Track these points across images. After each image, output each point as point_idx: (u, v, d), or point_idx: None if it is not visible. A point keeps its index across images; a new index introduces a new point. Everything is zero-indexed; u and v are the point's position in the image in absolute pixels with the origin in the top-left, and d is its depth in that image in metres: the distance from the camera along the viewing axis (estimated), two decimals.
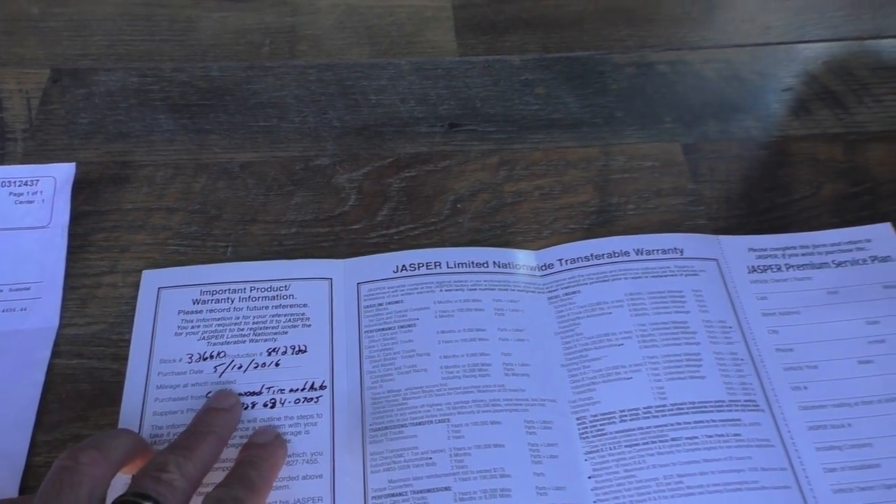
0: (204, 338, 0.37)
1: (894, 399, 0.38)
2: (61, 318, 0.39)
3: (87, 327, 0.39)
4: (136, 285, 0.40)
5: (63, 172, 0.44)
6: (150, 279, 0.39)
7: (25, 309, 0.39)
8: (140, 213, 0.44)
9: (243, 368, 0.36)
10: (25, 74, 0.51)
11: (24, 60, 0.52)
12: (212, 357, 0.37)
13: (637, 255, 0.42)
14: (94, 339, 0.39)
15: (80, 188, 0.45)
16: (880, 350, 0.40)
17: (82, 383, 0.38)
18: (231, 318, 0.38)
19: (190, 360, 0.37)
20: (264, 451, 0.33)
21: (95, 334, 0.39)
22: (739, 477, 0.35)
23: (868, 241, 0.44)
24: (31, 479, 0.35)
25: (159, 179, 0.46)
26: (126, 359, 0.38)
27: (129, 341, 0.38)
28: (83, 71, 0.51)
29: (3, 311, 0.39)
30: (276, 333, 0.38)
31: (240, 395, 0.36)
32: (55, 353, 0.38)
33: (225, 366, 0.36)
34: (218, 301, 0.39)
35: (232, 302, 0.39)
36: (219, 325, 0.38)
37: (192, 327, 0.38)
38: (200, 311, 0.38)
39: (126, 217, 0.44)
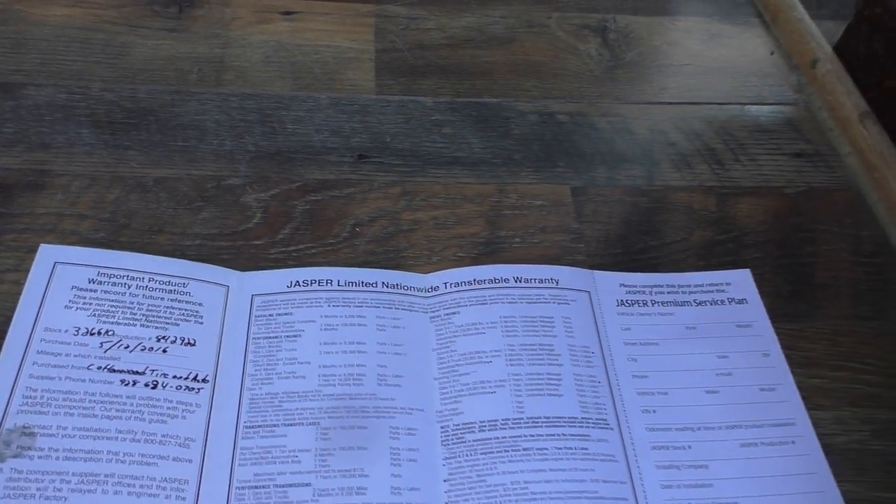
0: (94, 315, 0.40)
1: (733, 426, 0.42)
2: None
3: None
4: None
5: None
6: (48, 253, 0.42)
7: None
8: (51, 218, 0.46)
9: (130, 349, 0.39)
10: None
11: None
12: (99, 333, 0.39)
13: (516, 282, 0.46)
14: None
15: None
16: (726, 382, 0.43)
17: None
18: (125, 301, 0.40)
19: (76, 333, 0.39)
20: None
21: None
22: (581, 486, 0.38)
23: (728, 284, 0.48)
24: None
25: (74, 188, 0.48)
26: None
27: None
28: (13, 85, 0.54)
29: None
30: (167, 323, 0.40)
31: (122, 372, 0.38)
32: None
33: (112, 343, 0.39)
34: (114, 284, 0.41)
35: (128, 287, 0.41)
36: (111, 305, 0.40)
37: (84, 303, 0.40)
38: (95, 291, 0.40)
39: (37, 221, 0.46)
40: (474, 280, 0.46)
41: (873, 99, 0.59)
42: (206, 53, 0.59)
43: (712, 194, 0.54)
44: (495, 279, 0.46)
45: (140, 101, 0.54)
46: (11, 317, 0.41)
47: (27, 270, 0.43)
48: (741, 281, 0.48)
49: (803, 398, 0.43)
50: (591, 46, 0.64)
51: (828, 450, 0.42)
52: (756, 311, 0.47)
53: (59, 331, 0.39)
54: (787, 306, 0.48)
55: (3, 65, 0.55)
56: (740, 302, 0.47)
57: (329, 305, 0.43)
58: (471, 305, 0.45)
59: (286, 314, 0.43)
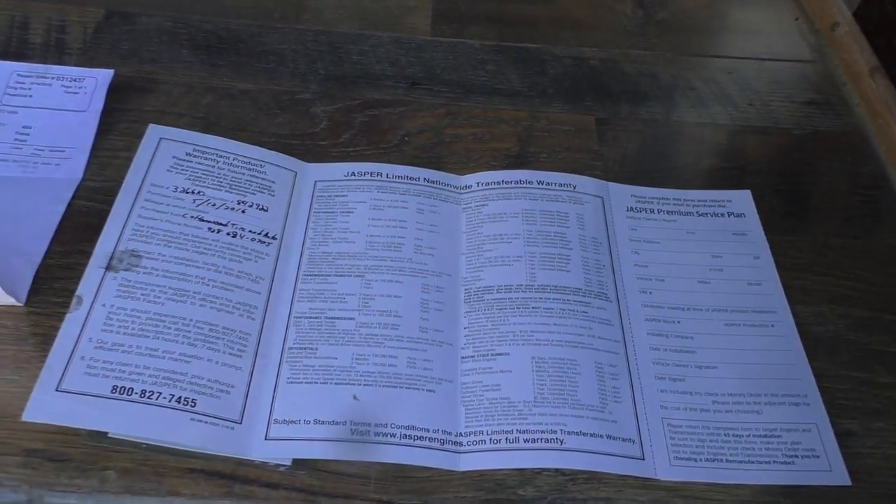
0: (189, 179, 0.49)
1: (720, 310, 0.48)
2: (84, 176, 0.51)
3: (103, 183, 0.51)
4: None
5: (103, 76, 0.57)
6: (155, 131, 0.51)
7: (59, 164, 0.51)
8: (155, 114, 0.56)
9: (216, 206, 0.48)
10: (86, 11, 0.64)
11: (86, 1, 0.65)
12: (193, 192, 0.48)
13: (538, 184, 0.53)
14: (108, 191, 0.50)
15: (115, 91, 0.57)
16: (718, 276, 0.50)
17: (93, 218, 0.49)
18: (214, 172, 0.49)
19: (175, 190, 0.48)
20: None
21: (110, 188, 0.51)
22: (579, 339, 0.45)
23: (729, 201, 0.54)
24: (42, 272, 0.46)
25: (175, 93, 0.58)
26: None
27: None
28: (130, 14, 0.64)
29: (42, 164, 0.51)
30: (246, 192, 0.49)
31: (209, 222, 0.47)
32: (76, 196, 0.50)
33: (202, 201, 0.48)
34: (206, 158, 0.50)
35: (217, 162, 0.50)
36: (203, 173, 0.49)
37: (182, 169, 0.49)
38: (191, 161, 0.50)
39: (144, 115, 0.56)
40: (503, 181, 0.53)
41: (885, 57, 0.64)
42: None
43: (724, 130, 0.60)
44: (521, 181, 0.53)
45: (231, 31, 0.64)
46: (124, 179, 0.51)
47: (136, 149, 0.53)
48: (741, 199, 0.54)
49: (787, 294, 0.49)
50: (627, 6, 0.71)
51: (804, 335, 0.48)
52: (752, 223, 0.53)
53: (162, 187, 0.48)
54: (781, 222, 0.54)
55: None
56: (738, 216, 0.53)
57: (378, 191, 0.52)
58: (497, 200, 0.52)
59: (342, 196, 0.51)
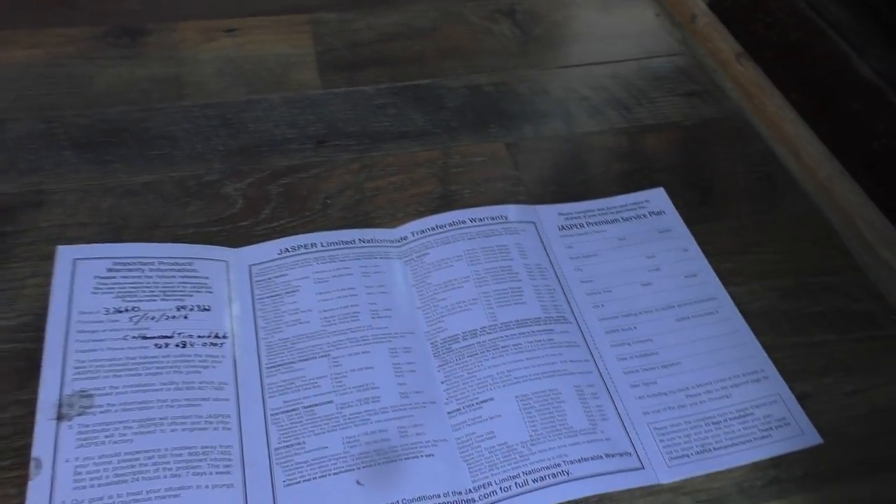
0: (119, 296, 0.46)
1: (668, 307, 0.51)
2: None
3: (17, 319, 0.47)
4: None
5: None
6: (66, 252, 0.47)
7: None
8: (56, 229, 0.52)
9: (156, 319, 0.45)
10: None
11: None
12: (127, 311, 0.45)
13: (472, 222, 0.54)
14: (26, 327, 0.46)
15: (0, 213, 0.52)
16: (657, 275, 0.52)
17: (19, 361, 0.45)
18: (142, 282, 0.46)
19: (107, 312, 0.45)
20: None
21: (28, 324, 0.46)
22: (554, 367, 0.46)
23: (647, 201, 0.57)
24: None
25: (70, 201, 0.54)
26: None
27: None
28: None
29: None
30: (183, 295, 0.47)
31: (154, 338, 0.44)
32: None
33: (139, 317, 0.45)
34: (130, 270, 0.47)
35: (143, 271, 0.47)
36: (132, 286, 0.46)
37: (108, 288, 0.46)
38: (114, 277, 0.46)
39: (43, 233, 0.52)
40: (436, 226, 0.54)
41: (746, 42, 0.69)
42: (163, 73, 0.65)
43: (623, 134, 0.63)
44: (454, 222, 0.54)
45: (112, 121, 0.60)
46: (43, 313, 0.47)
47: (46, 274, 0.49)
48: (657, 198, 0.58)
49: (720, 279, 0.53)
50: (504, 27, 0.73)
51: (746, 314, 0.51)
52: (672, 218, 0.56)
53: (92, 312, 0.45)
54: (697, 213, 0.57)
55: None
56: (658, 214, 0.56)
57: (318, 263, 0.50)
58: (437, 246, 0.52)
59: (282, 275, 0.50)
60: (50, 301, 0.45)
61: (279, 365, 0.45)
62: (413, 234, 0.53)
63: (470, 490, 0.41)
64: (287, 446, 0.42)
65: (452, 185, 0.58)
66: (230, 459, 0.41)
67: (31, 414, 0.42)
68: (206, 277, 0.49)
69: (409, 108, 0.64)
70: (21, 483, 0.40)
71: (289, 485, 0.40)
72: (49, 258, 0.50)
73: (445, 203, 0.56)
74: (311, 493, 0.40)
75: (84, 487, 0.38)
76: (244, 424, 0.42)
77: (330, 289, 0.49)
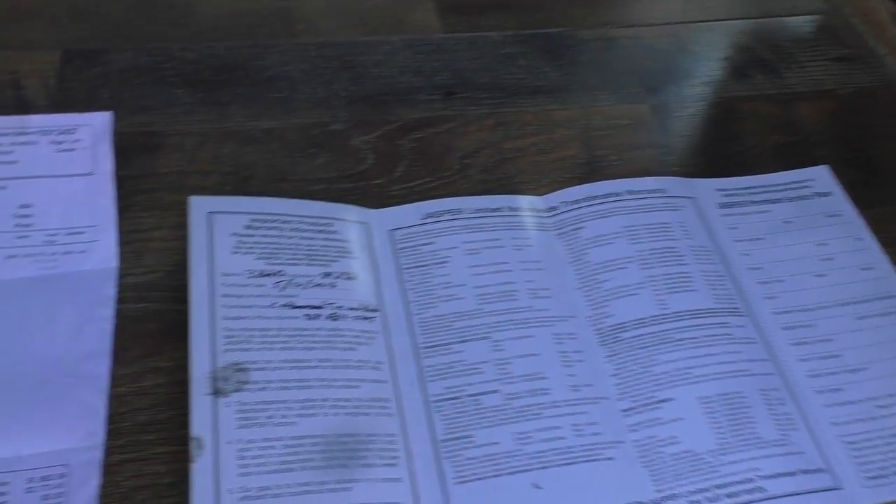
0: (261, 258, 0.41)
1: (846, 303, 0.46)
2: (120, 268, 0.42)
3: (145, 276, 0.42)
4: (185, 238, 0.44)
5: (100, 121, 0.47)
6: (200, 205, 0.42)
7: (84, 251, 0.42)
8: (176, 176, 0.47)
9: (303, 286, 0.40)
10: (37, 56, 0.52)
11: (33, 44, 0.53)
12: (271, 275, 0.41)
13: (628, 195, 0.49)
14: (154, 286, 0.42)
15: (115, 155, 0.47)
16: (831, 266, 0.48)
17: (150, 323, 0.41)
18: (284, 243, 0.42)
19: (251, 275, 0.40)
20: None
21: (154, 282, 0.42)
22: (735, 367, 0.42)
23: (812, 180, 0.52)
24: (119, 406, 0.37)
25: (188, 146, 0.49)
26: (185, 301, 0.41)
27: (185, 287, 0.41)
28: (93, 52, 0.53)
29: (64, 254, 0.41)
30: (327, 260, 0.42)
31: (303, 307, 0.40)
32: (121, 299, 0.41)
33: (285, 283, 0.40)
34: (269, 228, 0.42)
35: (282, 230, 0.42)
36: (273, 247, 0.41)
37: (248, 248, 0.41)
38: (253, 235, 0.42)
39: (163, 180, 0.47)
40: (589, 196, 0.49)
41: None
42: (270, 5, 0.59)
43: (774, 101, 0.58)
44: (608, 194, 0.49)
45: (221, 56, 0.55)
46: (173, 270, 0.42)
47: (171, 227, 0.44)
48: (822, 177, 0.53)
49: None
50: None
51: None
52: (841, 202, 0.51)
53: (235, 274, 0.40)
54: (864, 195, 0.52)
55: (75, 33, 0.54)
56: (824, 195, 0.51)
57: (466, 232, 0.46)
58: (592, 220, 0.48)
59: (428, 244, 0.45)
60: (190, 259, 0.40)
61: (436, 346, 0.41)
62: (564, 204, 0.48)
63: (654, 501, 0.37)
64: (454, 439, 0.38)
65: (597, 151, 0.53)
66: (396, 450, 0.37)
67: (172, 384, 0.39)
68: (348, 241, 0.44)
69: (540, 59, 0.58)
70: (169, 460, 0.36)
71: (459, 482, 0.37)
72: (173, 209, 0.45)
73: (592, 171, 0.51)
74: (485, 494, 0.36)
75: (250, 474, 0.34)
76: (405, 411, 0.38)
77: (482, 262, 0.45)
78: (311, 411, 0.36)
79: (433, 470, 0.37)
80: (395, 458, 0.37)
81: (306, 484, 0.34)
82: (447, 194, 0.49)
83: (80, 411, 0.37)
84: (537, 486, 0.37)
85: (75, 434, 0.36)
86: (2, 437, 0.35)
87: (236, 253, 0.41)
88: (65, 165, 0.44)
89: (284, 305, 0.40)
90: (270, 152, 0.49)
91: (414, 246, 0.45)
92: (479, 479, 0.37)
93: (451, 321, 0.42)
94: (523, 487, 0.37)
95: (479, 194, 0.49)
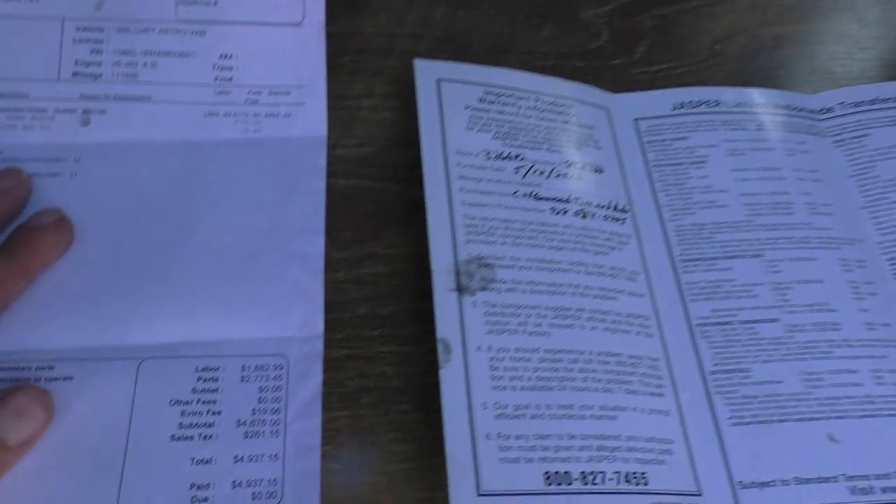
0: (497, 137, 0.35)
1: None
2: (329, 139, 0.36)
3: (357, 149, 0.37)
4: (399, 109, 0.38)
5: None
6: (426, 70, 0.36)
7: (290, 115, 0.36)
8: (384, 39, 0.41)
9: (544, 174, 0.34)
10: None
11: None
12: (510, 158, 0.34)
13: None
14: (367, 161, 0.36)
15: None
16: None
17: (366, 203, 0.35)
18: (521, 123, 0.35)
19: (487, 157, 0.34)
20: (31, 234, 0.30)
21: (367, 157, 0.37)
22: None
23: None
24: (334, 293, 0.32)
25: (396, 6, 0.42)
26: (405, 181, 0.35)
27: (403, 164, 0.36)
28: None
29: (267, 116, 0.36)
30: (569, 147, 0.35)
31: (548, 200, 0.33)
32: (331, 174, 0.35)
33: (526, 169, 0.34)
34: (504, 104, 0.36)
35: (518, 108, 0.36)
36: (510, 127, 0.35)
37: (483, 124, 0.35)
38: (488, 111, 0.35)
39: (371, 42, 0.40)
40: (875, 99, 0.40)
41: None
42: None
43: None
44: None
45: None
46: (387, 145, 0.37)
47: (382, 95, 0.38)
48: None
49: None
50: None
51: None
52: None
53: (471, 154, 0.34)
54: None
55: None
56: None
57: (726, 128, 0.38)
58: (880, 127, 0.39)
59: (682, 139, 0.38)
60: (422, 132, 0.34)
61: (697, 259, 0.34)
62: (841, 105, 0.40)
63: None
64: (726, 371, 0.32)
65: (882, 44, 0.43)
66: (660, 377, 0.31)
67: (392, 275, 0.33)
68: (590, 127, 0.37)
69: None
70: (396, 361, 0.31)
71: (736, 424, 0.30)
72: (382, 75, 0.39)
73: (873, 68, 0.42)
74: (768, 441, 0.30)
75: (504, 388, 0.28)
76: (666, 332, 0.32)
77: (748, 165, 0.37)
78: (565, 321, 0.30)
79: (703, 405, 0.31)
80: (660, 386, 0.30)
81: (568, 406, 0.29)
82: (697, 83, 0.41)
83: (294, 294, 0.32)
84: (833, 439, 0.30)
85: (291, 320, 0.31)
86: (210, 316, 0.31)
87: (471, 129, 0.35)
88: (270, 11, 0.38)
89: (528, 195, 0.34)
90: (488, 19, 0.42)
91: (664, 140, 0.38)
92: (761, 422, 0.31)
93: (713, 232, 0.35)
94: (816, 438, 0.30)
95: (735, 86, 0.41)
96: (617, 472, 0.28)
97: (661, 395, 0.30)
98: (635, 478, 0.28)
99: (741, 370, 0.32)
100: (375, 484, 0.29)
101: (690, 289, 0.34)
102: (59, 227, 0.31)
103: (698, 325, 0.33)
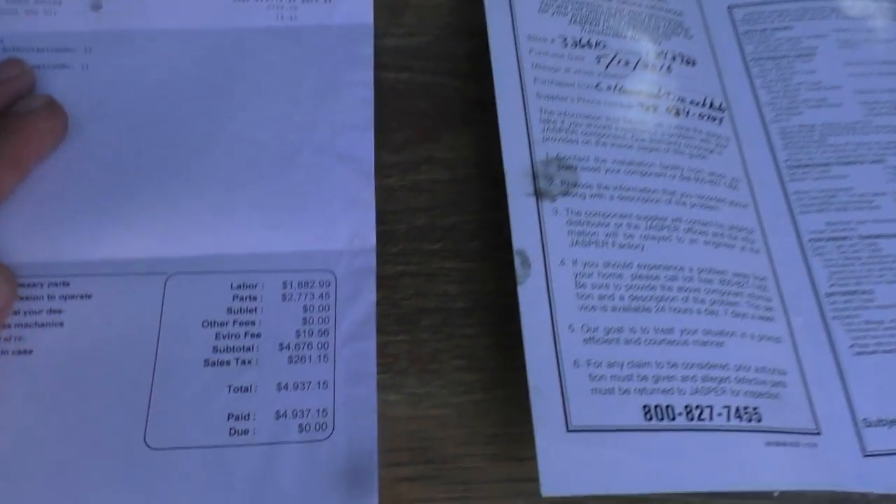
0: (575, 21, 0.30)
1: None
2: (376, 28, 0.31)
3: (408, 39, 0.32)
4: None
5: None
6: None
7: (329, 0, 0.31)
8: None
9: (631, 65, 0.29)
10: None
11: None
12: (590, 45, 0.29)
13: None
14: (420, 52, 0.32)
15: None
16: None
17: (420, 100, 0.30)
18: (602, 6, 0.30)
19: (564, 44, 0.29)
20: (19, 120, 0.26)
21: (421, 47, 0.32)
22: None
23: None
24: (387, 201, 0.28)
25: None
26: (465, 76, 0.30)
27: (462, 57, 0.31)
28: None
29: (304, 1, 0.31)
30: (658, 36, 0.30)
31: (636, 93, 0.28)
32: (378, 66, 0.31)
33: (608, 58, 0.29)
34: None
35: None
36: (589, 10, 0.30)
37: (559, 7, 0.30)
38: None
39: None
40: None
41: None
42: None
43: None
44: None
45: None
46: (442, 35, 0.32)
47: None
48: None
49: None
50: None
51: None
52: None
53: (546, 40, 0.29)
54: None
55: None
56: None
57: (838, 17, 0.33)
58: None
59: (785, 28, 0.32)
60: (488, 14, 0.29)
61: (806, 166, 0.29)
62: None
63: None
64: (845, 294, 0.27)
65: None
66: (770, 300, 0.26)
67: (453, 182, 0.29)
68: (679, 14, 0.32)
69: None
70: (460, 279, 0.27)
71: (859, 353, 0.26)
72: None
73: None
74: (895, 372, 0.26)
75: (593, 309, 0.24)
76: (773, 248, 0.27)
77: (864, 59, 0.32)
78: (661, 233, 0.26)
79: (819, 331, 0.26)
80: (769, 309, 0.26)
81: (667, 331, 0.24)
82: None
83: (342, 201, 0.27)
84: None
85: (339, 231, 0.27)
86: (244, 225, 0.27)
87: (545, 12, 0.30)
88: None
89: (612, 88, 0.29)
90: None
91: (763, 30, 0.32)
92: (887, 351, 0.26)
93: (824, 134, 0.30)
94: None
95: None
96: (726, 407, 0.23)
97: (770, 318, 0.26)
98: (747, 413, 0.23)
99: (863, 292, 0.27)
100: (440, 417, 0.25)
101: (800, 199, 0.29)
102: (51, 111, 0.26)
103: (810, 240, 0.28)
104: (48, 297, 0.25)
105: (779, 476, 0.23)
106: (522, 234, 0.25)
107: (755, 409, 0.24)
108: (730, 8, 0.33)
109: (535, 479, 0.23)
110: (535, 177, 0.26)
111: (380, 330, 0.25)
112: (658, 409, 0.23)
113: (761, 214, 0.28)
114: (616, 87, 0.29)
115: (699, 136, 0.29)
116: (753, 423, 0.23)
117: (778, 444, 0.23)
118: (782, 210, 0.29)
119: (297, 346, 0.25)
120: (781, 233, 0.28)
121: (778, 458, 0.23)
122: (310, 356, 0.25)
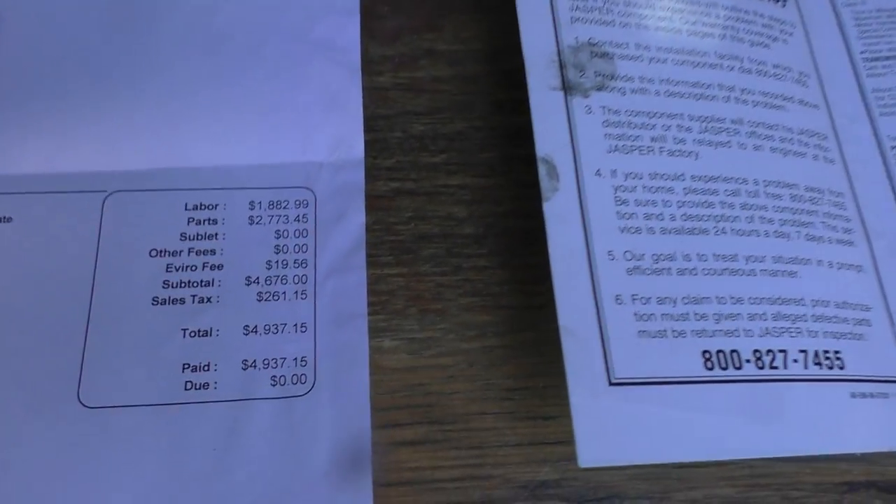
0: None
1: None
2: None
3: None
4: None
5: None
6: None
7: None
8: None
9: None
10: None
11: None
12: None
13: None
14: None
15: None
16: None
17: None
18: None
19: None
20: None
21: None
22: None
23: None
24: (378, 103, 0.23)
25: None
26: None
27: None
28: None
29: None
30: None
31: None
32: None
33: None
34: None
35: None
36: None
37: None
38: None
39: None
40: None
41: None
42: None
43: None
44: None
45: None
46: None
47: None
48: None
49: None
50: None
51: None
52: None
53: None
54: None
55: None
56: None
57: None
58: None
59: None
60: None
61: (887, 58, 0.24)
62: None
63: None
64: None
65: None
66: (849, 220, 0.21)
67: (462, 81, 0.23)
68: None
69: None
70: (469, 198, 0.22)
71: None
72: None
73: None
74: None
75: (638, 231, 0.19)
76: (849, 158, 0.22)
77: None
78: (718, 137, 0.21)
79: None
80: (848, 231, 0.21)
81: (730, 258, 0.19)
82: None
83: (321, 102, 0.22)
84: None
85: (317, 139, 0.22)
86: (200, 131, 0.21)
87: None
88: None
89: None
90: None
91: None
92: None
93: None
94: None
95: None
96: (803, 351, 0.19)
97: (850, 242, 0.21)
98: (827, 358, 0.19)
99: None
100: (446, 368, 0.20)
101: (880, 98, 0.24)
102: None
103: (893, 147, 0.23)
104: None
105: (866, 435, 0.18)
106: (548, 138, 0.19)
107: (837, 353, 0.19)
108: None
109: (564, 442, 0.18)
110: (562, 66, 0.20)
111: (370, 261, 0.21)
112: (721, 356, 0.18)
113: (834, 117, 0.23)
114: None
115: (760, 20, 0.23)
116: (836, 371, 0.19)
117: (864, 395, 0.19)
118: (859, 111, 0.23)
119: (267, 280, 0.20)
120: (858, 139, 0.23)
121: (864, 412, 0.19)
122: (284, 292, 0.20)
